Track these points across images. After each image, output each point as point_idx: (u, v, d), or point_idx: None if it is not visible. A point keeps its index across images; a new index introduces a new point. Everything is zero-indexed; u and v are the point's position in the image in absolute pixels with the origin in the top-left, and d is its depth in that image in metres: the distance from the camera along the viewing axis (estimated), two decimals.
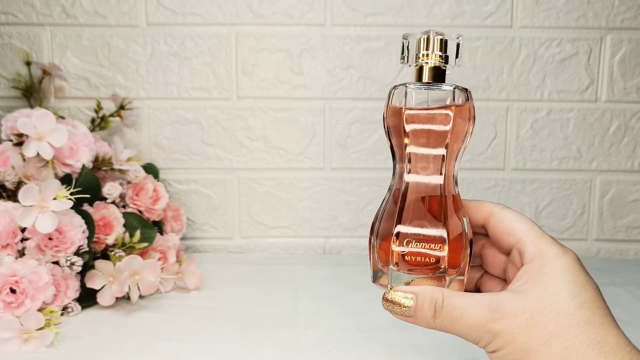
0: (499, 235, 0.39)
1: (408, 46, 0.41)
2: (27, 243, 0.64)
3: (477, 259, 0.43)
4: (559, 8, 0.87)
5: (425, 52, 0.39)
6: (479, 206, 0.41)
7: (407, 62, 0.41)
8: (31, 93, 0.85)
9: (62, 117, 0.83)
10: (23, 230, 0.64)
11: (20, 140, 0.68)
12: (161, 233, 0.80)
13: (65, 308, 0.65)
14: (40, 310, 0.60)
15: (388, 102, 0.40)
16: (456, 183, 0.41)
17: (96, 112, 0.85)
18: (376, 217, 0.41)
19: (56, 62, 0.87)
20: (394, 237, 0.39)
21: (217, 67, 0.88)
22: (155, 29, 0.87)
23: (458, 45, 0.40)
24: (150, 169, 0.85)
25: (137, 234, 0.70)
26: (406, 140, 0.39)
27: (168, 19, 0.86)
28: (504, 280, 0.42)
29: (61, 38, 0.86)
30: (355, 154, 0.90)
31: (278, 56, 0.88)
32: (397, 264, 0.39)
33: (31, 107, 0.82)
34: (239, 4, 0.86)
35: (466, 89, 0.40)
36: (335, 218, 0.91)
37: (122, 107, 0.85)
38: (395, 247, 0.39)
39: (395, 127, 0.40)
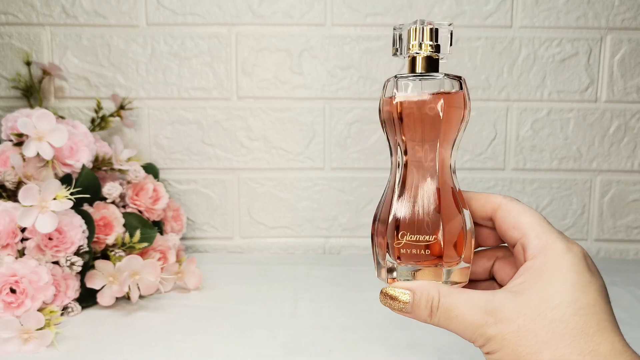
0: (504, 228, 0.39)
1: (400, 37, 0.41)
2: (27, 243, 0.64)
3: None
4: (559, 8, 0.87)
5: (415, 42, 0.39)
6: (487, 198, 0.40)
7: (400, 53, 0.41)
8: (31, 93, 0.85)
9: (62, 117, 0.83)
10: (23, 230, 0.64)
11: (20, 140, 0.68)
12: (161, 233, 0.80)
13: (65, 308, 0.65)
14: (40, 310, 0.60)
15: (383, 94, 0.40)
16: (454, 172, 0.41)
17: (96, 112, 0.85)
18: (377, 211, 0.42)
19: (56, 62, 0.87)
20: (389, 232, 0.39)
21: (217, 67, 0.88)
22: (155, 29, 0.87)
23: (451, 34, 0.40)
24: (150, 169, 0.85)
25: (137, 234, 0.70)
26: (399, 130, 0.39)
27: (168, 19, 0.86)
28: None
29: (61, 38, 0.86)
30: (355, 154, 0.90)
31: (278, 56, 0.88)
32: (398, 257, 0.39)
33: (31, 107, 0.82)
34: (239, 4, 0.86)
35: (459, 77, 0.40)
36: (335, 218, 0.91)
37: (122, 107, 0.85)
38: (392, 242, 0.39)
39: (388, 118, 0.40)
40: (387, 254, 0.40)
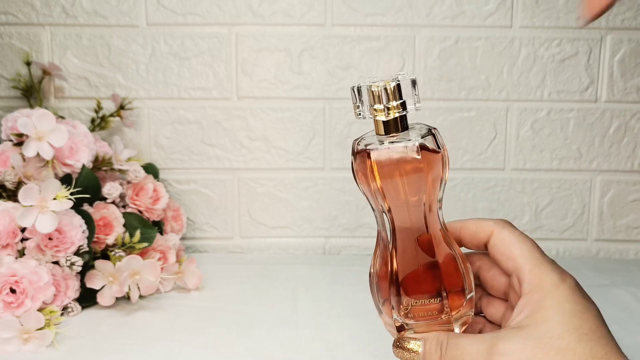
0: (498, 257, 0.39)
1: (359, 96, 0.38)
2: (27, 243, 0.64)
3: (475, 280, 0.43)
4: (559, 8, 0.87)
5: (379, 105, 0.37)
6: (479, 226, 0.40)
7: (363, 115, 0.38)
8: (31, 93, 0.85)
9: (62, 117, 0.83)
10: (23, 230, 0.64)
11: (20, 140, 0.68)
12: (161, 233, 0.80)
13: (65, 308, 0.65)
14: (40, 310, 0.60)
15: (353, 159, 0.38)
16: (440, 208, 0.39)
17: (96, 112, 0.85)
18: (374, 265, 0.41)
19: (56, 62, 0.87)
20: (393, 298, 0.39)
21: (217, 67, 0.88)
22: (155, 29, 0.87)
23: (414, 84, 0.37)
24: (150, 169, 0.85)
25: (137, 234, 0.70)
26: (381, 196, 0.38)
27: (168, 19, 0.86)
28: (505, 301, 0.41)
29: (61, 38, 0.86)
30: None
31: (278, 56, 0.88)
32: (406, 317, 0.39)
33: (31, 107, 0.82)
34: (239, 4, 0.86)
35: (431, 130, 0.37)
36: (335, 218, 0.91)
37: (122, 107, 0.85)
38: (397, 306, 0.39)
39: (366, 183, 0.38)
40: (394, 314, 0.39)
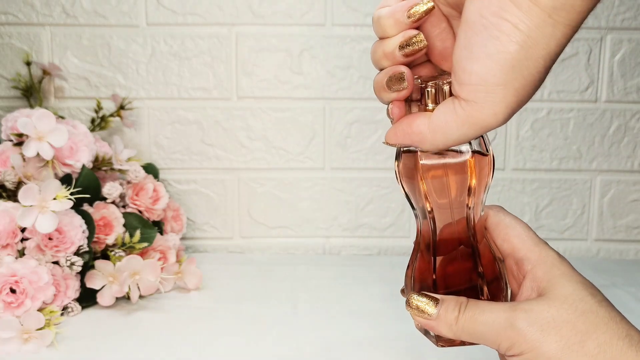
0: (494, 239, 0.39)
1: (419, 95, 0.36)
2: (27, 243, 0.64)
3: None
4: None
5: (432, 105, 0.35)
6: None
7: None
8: (31, 93, 0.85)
9: (62, 117, 0.83)
10: (23, 230, 0.64)
11: (20, 140, 0.68)
12: (161, 233, 0.80)
13: (65, 308, 0.65)
14: (40, 310, 0.60)
15: (399, 154, 0.37)
16: (482, 211, 0.39)
17: (96, 112, 0.85)
18: (412, 273, 0.39)
19: (56, 62, 0.87)
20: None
21: (217, 67, 0.88)
22: (155, 29, 0.87)
23: None
24: (150, 169, 0.85)
25: (137, 234, 0.70)
26: (425, 196, 0.37)
27: (168, 19, 0.86)
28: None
29: (61, 38, 0.86)
30: (355, 154, 0.90)
31: (278, 56, 0.88)
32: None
33: (31, 107, 0.82)
34: (239, 4, 0.86)
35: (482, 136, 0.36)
36: (335, 218, 0.91)
37: (122, 107, 0.85)
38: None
39: (409, 182, 0.37)
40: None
